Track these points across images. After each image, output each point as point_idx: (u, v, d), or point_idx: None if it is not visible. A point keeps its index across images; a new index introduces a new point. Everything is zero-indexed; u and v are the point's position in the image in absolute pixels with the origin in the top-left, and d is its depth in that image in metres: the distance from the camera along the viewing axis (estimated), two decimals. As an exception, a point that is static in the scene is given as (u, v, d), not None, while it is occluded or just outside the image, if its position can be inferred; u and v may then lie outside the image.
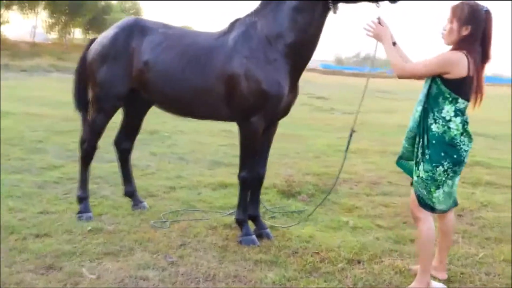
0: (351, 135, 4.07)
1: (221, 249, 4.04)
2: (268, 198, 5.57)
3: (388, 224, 4.91)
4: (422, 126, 3.37)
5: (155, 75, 4.21)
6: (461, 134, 3.29)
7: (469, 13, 3.23)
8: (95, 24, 45.41)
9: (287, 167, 7.42)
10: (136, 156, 7.15)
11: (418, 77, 3.39)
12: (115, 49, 4.36)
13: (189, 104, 4.26)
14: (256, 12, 4.10)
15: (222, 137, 10.00)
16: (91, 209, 4.67)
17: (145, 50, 4.25)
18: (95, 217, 4.59)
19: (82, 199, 4.66)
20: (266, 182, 6.37)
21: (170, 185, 5.91)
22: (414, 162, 3.45)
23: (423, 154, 3.35)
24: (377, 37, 3.58)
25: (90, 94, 4.59)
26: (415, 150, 3.42)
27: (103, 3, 47.72)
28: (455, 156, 3.29)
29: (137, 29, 4.35)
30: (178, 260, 3.79)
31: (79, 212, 4.59)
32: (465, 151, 3.32)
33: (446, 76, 3.22)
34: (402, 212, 5.40)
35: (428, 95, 3.35)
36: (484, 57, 3.25)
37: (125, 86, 4.39)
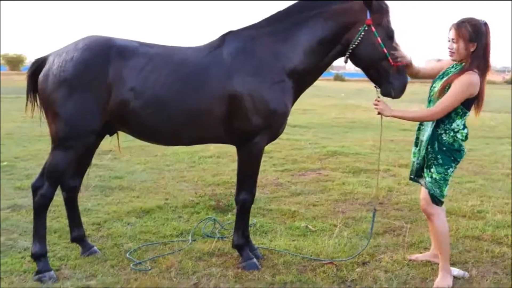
0: (374, 214, 4.23)
1: (237, 279, 3.87)
2: (205, 216, 5.32)
3: (341, 222, 5.18)
4: (433, 135, 3.71)
5: (143, 103, 3.65)
6: (463, 140, 3.72)
7: (473, 31, 3.61)
8: None
9: (175, 181, 7.13)
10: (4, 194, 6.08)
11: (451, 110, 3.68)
12: (86, 76, 3.59)
13: (179, 130, 3.82)
14: (258, 27, 3.87)
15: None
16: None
17: (129, 76, 3.63)
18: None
19: (40, 256, 3.82)
20: (181, 200, 6.09)
21: (92, 222, 5.17)
22: (425, 165, 3.77)
23: (435, 158, 3.74)
24: (383, 111, 3.78)
25: (50, 130, 3.73)
26: (427, 155, 3.74)
27: None
28: (459, 159, 3.82)
29: (114, 52, 3.65)
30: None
31: (39, 272, 3.77)
32: (465, 152, 3.81)
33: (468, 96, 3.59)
34: (334, 208, 5.77)
35: None
36: (485, 67, 3.68)
37: (99, 120, 3.69)
